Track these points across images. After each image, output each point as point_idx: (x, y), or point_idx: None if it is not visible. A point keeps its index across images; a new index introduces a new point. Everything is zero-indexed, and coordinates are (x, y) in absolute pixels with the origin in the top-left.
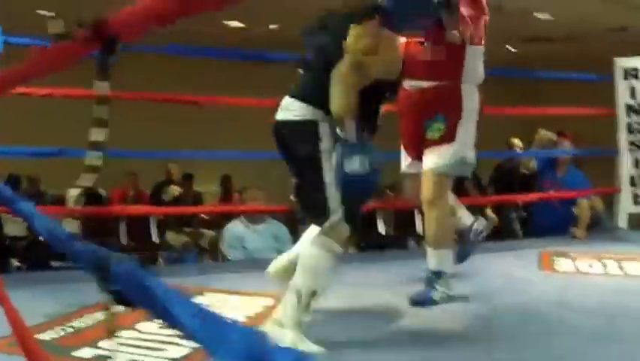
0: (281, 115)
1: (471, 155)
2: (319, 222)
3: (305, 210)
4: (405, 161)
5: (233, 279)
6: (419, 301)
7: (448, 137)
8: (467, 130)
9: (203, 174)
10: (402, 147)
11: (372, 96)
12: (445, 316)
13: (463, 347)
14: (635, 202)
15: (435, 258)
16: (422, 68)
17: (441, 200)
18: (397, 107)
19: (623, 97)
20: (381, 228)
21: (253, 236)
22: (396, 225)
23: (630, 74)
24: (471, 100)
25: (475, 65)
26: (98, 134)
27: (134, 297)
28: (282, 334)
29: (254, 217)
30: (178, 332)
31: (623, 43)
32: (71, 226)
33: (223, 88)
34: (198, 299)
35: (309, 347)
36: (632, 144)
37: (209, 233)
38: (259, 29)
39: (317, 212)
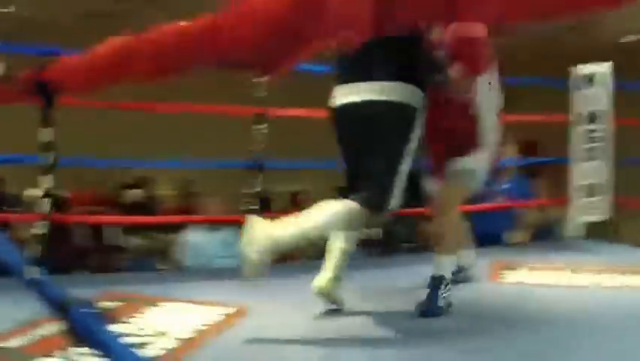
0: (368, 95)
1: (481, 174)
2: (374, 209)
3: (364, 197)
4: (434, 185)
5: (191, 288)
6: (426, 312)
7: (464, 154)
8: (481, 157)
9: (164, 177)
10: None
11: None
12: (389, 327)
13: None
14: (586, 212)
15: (439, 263)
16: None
17: (452, 208)
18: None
19: (577, 105)
20: None
21: (211, 243)
22: None
23: (586, 81)
24: (488, 132)
25: (484, 96)
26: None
27: (89, 343)
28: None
29: (212, 224)
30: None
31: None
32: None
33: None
34: (157, 308)
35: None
36: (585, 152)
37: (168, 237)
38: None
39: (376, 200)
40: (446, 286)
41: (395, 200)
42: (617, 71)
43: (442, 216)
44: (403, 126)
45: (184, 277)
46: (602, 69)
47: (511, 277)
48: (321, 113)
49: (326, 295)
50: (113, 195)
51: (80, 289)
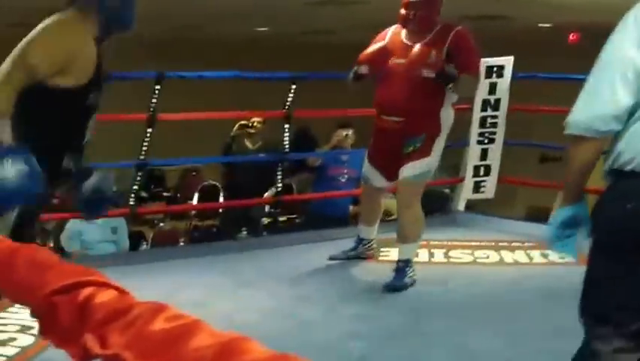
0: None
1: (433, 168)
2: None
3: None
4: (379, 182)
5: None
6: (394, 287)
7: (425, 151)
8: (440, 145)
9: None
10: (375, 169)
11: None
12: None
13: None
14: (476, 190)
15: (406, 249)
16: (403, 104)
17: (416, 202)
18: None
19: (481, 93)
20: None
21: (91, 228)
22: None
23: (494, 71)
24: (447, 118)
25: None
26: None
27: None
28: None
29: None
30: None
31: None
32: None
33: None
34: None
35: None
36: (481, 135)
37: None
38: None
39: None
40: (411, 267)
41: None
42: None
43: (406, 210)
44: None
45: None
46: (505, 62)
47: (388, 255)
48: None
49: None
50: None
51: None
